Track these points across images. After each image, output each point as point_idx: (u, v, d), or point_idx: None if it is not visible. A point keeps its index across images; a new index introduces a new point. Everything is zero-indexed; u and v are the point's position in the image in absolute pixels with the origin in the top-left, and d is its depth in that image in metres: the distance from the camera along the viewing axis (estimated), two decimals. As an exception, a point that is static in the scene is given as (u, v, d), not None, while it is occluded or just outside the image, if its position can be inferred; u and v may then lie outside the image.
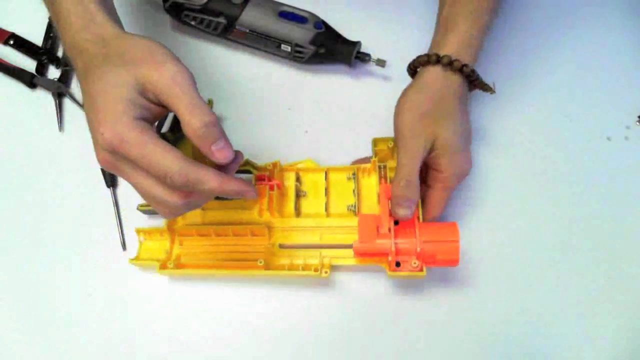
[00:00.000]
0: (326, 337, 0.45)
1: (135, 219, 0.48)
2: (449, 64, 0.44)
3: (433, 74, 0.45)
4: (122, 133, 0.33)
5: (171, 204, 0.35)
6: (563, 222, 0.49)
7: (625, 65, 0.56)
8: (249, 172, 0.49)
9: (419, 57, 0.46)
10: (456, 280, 0.46)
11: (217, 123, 0.35)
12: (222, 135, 0.35)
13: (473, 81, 0.46)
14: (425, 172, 0.47)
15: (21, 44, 0.57)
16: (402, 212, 0.43)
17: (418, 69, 0.47)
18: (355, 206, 0.47)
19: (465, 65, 0.44)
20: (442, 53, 0.44)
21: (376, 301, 0.46)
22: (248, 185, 0.37)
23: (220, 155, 0.35)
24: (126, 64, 0.34)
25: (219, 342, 0.45)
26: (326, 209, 0.48)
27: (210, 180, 0.34)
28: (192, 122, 0.34)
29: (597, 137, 0.53)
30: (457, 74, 0.44)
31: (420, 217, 0.45)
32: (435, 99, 0.44)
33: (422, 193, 0.45)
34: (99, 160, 0.35)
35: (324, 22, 0.53)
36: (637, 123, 0.53)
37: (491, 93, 0.48)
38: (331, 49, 0.53)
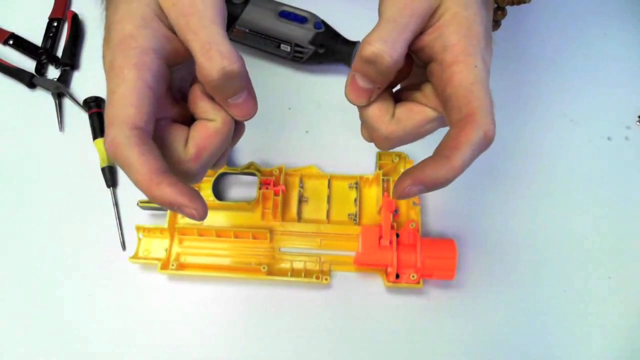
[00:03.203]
0: (325, 337, 0.45)
1: (135, 219, 0.48)
2: None
3: None
4: (114, 60, 0.26)
5: None
6: (562, 222, 0.49)
7: (625, 65, 0.56)
8: (253, 174, 0.49)
9: None
10: (454, 280, 0.46)
11: (240, 72, 0.26)
12: (245, 87, 0.28)
13: None
14: (410, 84, 0.31)
15: (21, 44, 0.57)
16: (351, 93, 0.29)
17: None
18: (356, 215, 0.48)
19: None
20: None
21: (374, 300, 0.46)
22: (193, 200, 0.27)
23: (238, 111, 0.28)
24: None
25: (218, 342, 0.45)
26: (327, 216, 0.48)
27: (140, 172, 0.25)
28: (207, 69, 0.26)
29: (597, 137, 0.53)
30: None
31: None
32: None
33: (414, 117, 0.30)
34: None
35: (323, 22, 0.53)
36: (637, 123, 0.53)
37: (528, 2, 0.38)
38: (331, 49, 0.52)
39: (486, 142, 0.27)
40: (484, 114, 0.26)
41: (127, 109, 0.26)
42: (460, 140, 0.26)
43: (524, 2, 0.37)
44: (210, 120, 0.29)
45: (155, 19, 0.27)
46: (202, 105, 0.29)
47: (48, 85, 0.55)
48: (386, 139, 0.30)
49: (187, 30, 0.26)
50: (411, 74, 0.31)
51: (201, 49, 0.26)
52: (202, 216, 0.27)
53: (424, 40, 0.28)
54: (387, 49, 0.26)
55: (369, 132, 0.31)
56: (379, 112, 0.29)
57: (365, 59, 0.27)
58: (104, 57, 0.28)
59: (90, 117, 0.53)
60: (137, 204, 0.47)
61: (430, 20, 0.28)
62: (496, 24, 0.40)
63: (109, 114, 0.26)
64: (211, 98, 0.29)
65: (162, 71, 0.27)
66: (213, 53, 0.26)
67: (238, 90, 0.27)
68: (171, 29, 0.28)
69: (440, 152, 0.27)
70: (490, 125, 0.27)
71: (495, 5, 0.37)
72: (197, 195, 0.27)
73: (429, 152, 0.29)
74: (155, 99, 0.27)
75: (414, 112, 0.29)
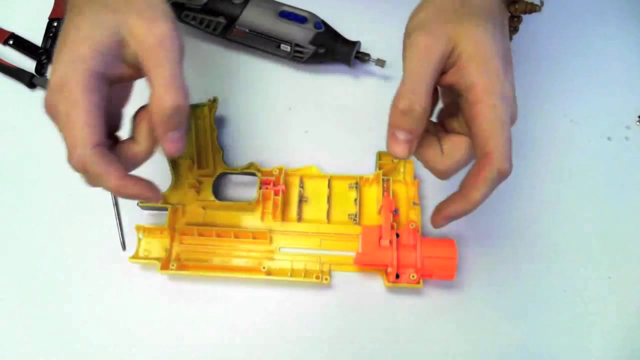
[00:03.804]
0: (325, 337, 0.45)
1: (135, 219, 0.48)
2: None
3: None
4: (66, 79, 0.29)
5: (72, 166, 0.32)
6: (562, 222, 0.49)
7: (625, 65, 0.56)
8: (253, 174, 0.49)
9: None
10: (454, 280, 0.46)
11: (187, 110, 0.31)
12: (184, 126, 0.32)
13: (513, 2, 0.37)
14: (448, 112, 0.35)
15: (21, 44, 0.57)
16: (394, 147, 0.32)
17: None
18: (356, 215, 0.48)
19: None
20: None
21: (374, 300, 0.46)
22: (150, 190, 0.34)
23: (173, 147, 0.32)
24: (113, 5, 0.30)
25: (218, 342, 0.45)
26: (327, 216, 0.48)
27: (110, 179, 0.31)
28: (164, 99, 0.30)
29: (597, 137, 0.53)
30: None
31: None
32: None
33: (450, 147, 0.33)
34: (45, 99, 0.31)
35: (323, 22, 0.53)
36: (637, 123, 0.54)
37: (539, 11, 0.38)
38: (331, 49, 0.53)
39: (500, 178, 0.31)
40: (499, 154, 0.30)
41: (86, 129, 0.30)
42: (478, 180, 0.31)
43: (535, 11, 0.38)
44: (137, 144, 0.34)
45: (112, 46, 0.30)
46: (140, 129, 0.33)
47: (48, 85, 0.54)
48: (444, 172, 0.34)
49: (155, 63, 0.30)
50: (449, 102, 0.35)
51: (164, 81, 0.30)
52: (159, 199, 0.35)
53: (449, 79, 0.32)
54: (417, 98, 0.30)
55: (427, 167, 0.35)
56: (432, 154, 0.33)
57: (401, 111, 0.30)
58: (54, 69, 0.30)
59: (90, 117, 0.53)
60: (137, 204, 0.47)
61: (449, 60, 0.31)
62: (515, 29, 0.41)
63: (70, 136, 0.30)
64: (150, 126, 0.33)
65: (106, 92, 0.31)
66: (173, 88, 0.30)
67: (180, 126, 0.31)
68: (125, 57, 0.31)
69: (463, 190, 0.32)
70: (505, 164, 0.30)
71: (510, 15, 0.38)
72: (153, 186, 0.34)
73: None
74: (103, 117, 0.31)
75: (458, 144, 0.33)
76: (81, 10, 0.31)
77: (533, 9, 0.38)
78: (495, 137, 0.30)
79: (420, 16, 0.33)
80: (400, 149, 0.32)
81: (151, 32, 0.30)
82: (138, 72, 0.32)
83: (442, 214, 0.34)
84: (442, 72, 0.32)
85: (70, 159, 0.30)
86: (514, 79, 0.34)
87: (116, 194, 0.34)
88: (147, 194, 0.33)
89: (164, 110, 0.30)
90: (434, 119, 0.37)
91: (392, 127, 0.32)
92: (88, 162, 0.30)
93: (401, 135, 0.31)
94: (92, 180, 0.32)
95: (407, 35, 0.33)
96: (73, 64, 0.29)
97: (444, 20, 0.32)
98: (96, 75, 0.30)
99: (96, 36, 0.30)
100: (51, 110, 0.31)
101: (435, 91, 0.33)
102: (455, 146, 0.33)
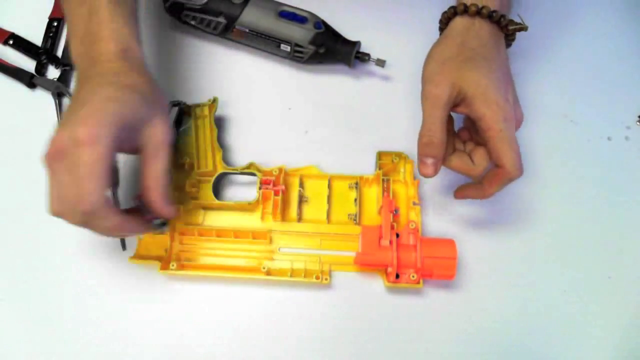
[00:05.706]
0: (325, 337, 0.45)
1: (135, 219, 0.48)
2: (477, 12, 0.42)
3: (459, 23, 0.44)
4: (99, 137, 0.34)
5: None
6: (562, 222, 0.49)
7: (625, 65, 0.56)
8: (253, 174, 0.49)
9: (447, 10, 0.45)
10: (454, 280, 0.46)
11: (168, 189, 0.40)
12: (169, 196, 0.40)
13: (505, 26, 0.44)
14: (475, 131, 0.44)
15: (21, 44, 0.57)
16: (423, 170, 0.42)
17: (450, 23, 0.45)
18: (356, 215, 0.48)
19: (494, 11, 0.42)
20: (469, 2, 0.43)
21: (374, 300, 0.46)
22: (148, 228, 0.42)
23: (169, 212, 0.40)
24: (146, 100, 0.38)
25: (218, 342, 0.45)
26: (327, 216, 0.48)
27: (139, 231, 0.42)
28: (154, 187, 0.39)
29: (597, 137, 0.53)
30: (486, 20, 0.43)
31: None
32: (458, 43, 0.42)
33: (476, 157, 0.43)
34: (46, 154, 0.35)
35: (324, 22, 0.53)
36: (637, 123, 0.54)
37: (526, 30, 0.45)
38: (331, 49, 0.53)
39: (510, 180, 0.40)
40: (510, 166, 0.40)
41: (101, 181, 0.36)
42: (493, 182, 0.41)
43: (523, 30, 0.45)
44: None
45: (133, 128, 0.37)
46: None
47: (48, 85, 0.54)
48: (477, 176, 0.43)
49: (154, 155, 0.39)
50: (470, 125, 0.44)
51: (156, 171, 0.39)
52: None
53: (461, 110, 0.42)
54: (433, 133, 0.40)
55: (464, 175, 0.44)
56: (467, 167, 0.43)
57: (424, 144, 0.41)
58: (82, 122, 0.34)
59: (90, 117, 0.53)
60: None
61: (457, 98, 0.41)
62: (512, 41, 0.47)
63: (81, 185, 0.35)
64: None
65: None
66: (164, 177, 0.39)
67: (168, 196, 0.40)
68: (134, 139, 0.38)
69: (483, 185, 0.42)
70: (516, 172, 0.40)
71: (504, 34, 0.45)
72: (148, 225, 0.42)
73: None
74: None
75: (483, 155, 0.42)
76: (118, 85, 0.37)
77: (522, 28, 0.45)
78: (506, 154, 0.39)
79: (429, 69, 0.43)
80: (429, 170, 0.42)
81: (163, 133, 0.39)
82: (134, 151, 0.39)
83: (463, 193, 0.45)
84: (455, 105, 0.41)
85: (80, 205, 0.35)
86: (515, 87, 0.43)
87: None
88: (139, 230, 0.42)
89: (157, 189, 0.39)
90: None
91: (421, 156, 0.42)
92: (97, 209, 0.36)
93: (428, 160, 0.41)
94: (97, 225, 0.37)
95: (423, 86, 0.42)
96: (106, 127, 0.35)
97: (448, 71, 0.41)
98: (118, 142, 0.36)
99: (128, 115, 0.36)
100: (63, 154, 0.35)
101: (449, 121, 0.43)
102: (481, 157, 0.42)
